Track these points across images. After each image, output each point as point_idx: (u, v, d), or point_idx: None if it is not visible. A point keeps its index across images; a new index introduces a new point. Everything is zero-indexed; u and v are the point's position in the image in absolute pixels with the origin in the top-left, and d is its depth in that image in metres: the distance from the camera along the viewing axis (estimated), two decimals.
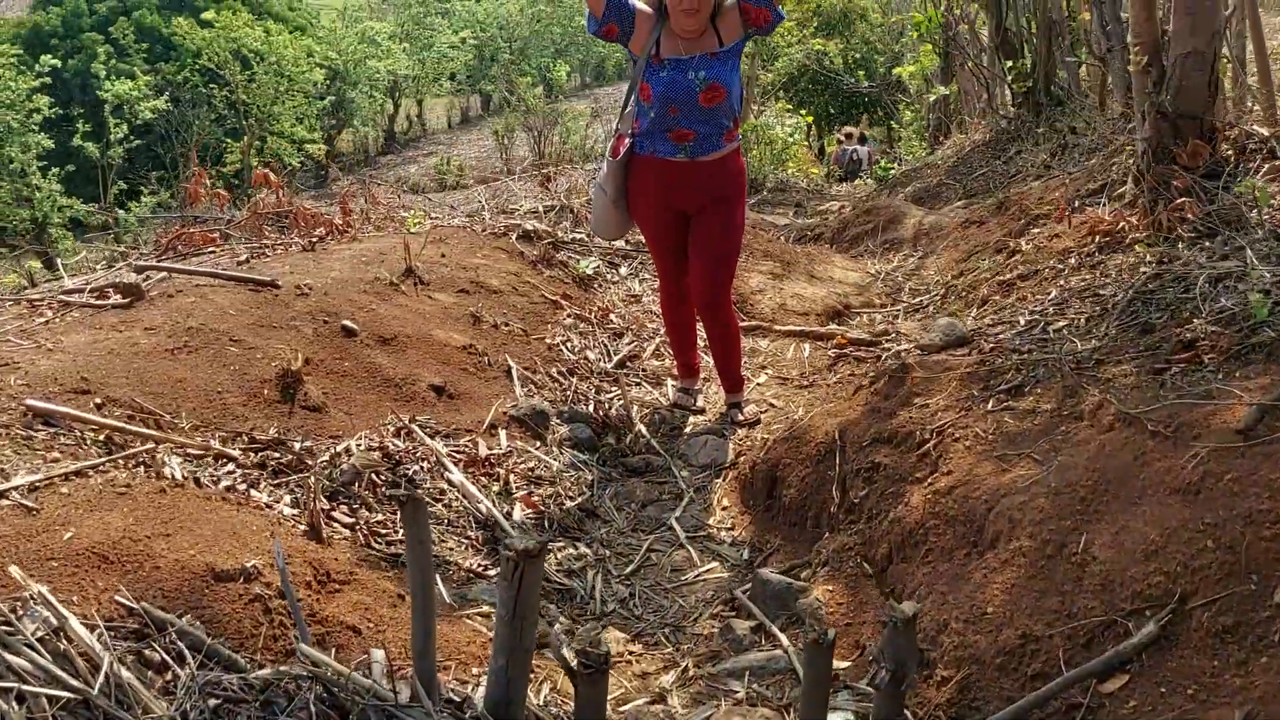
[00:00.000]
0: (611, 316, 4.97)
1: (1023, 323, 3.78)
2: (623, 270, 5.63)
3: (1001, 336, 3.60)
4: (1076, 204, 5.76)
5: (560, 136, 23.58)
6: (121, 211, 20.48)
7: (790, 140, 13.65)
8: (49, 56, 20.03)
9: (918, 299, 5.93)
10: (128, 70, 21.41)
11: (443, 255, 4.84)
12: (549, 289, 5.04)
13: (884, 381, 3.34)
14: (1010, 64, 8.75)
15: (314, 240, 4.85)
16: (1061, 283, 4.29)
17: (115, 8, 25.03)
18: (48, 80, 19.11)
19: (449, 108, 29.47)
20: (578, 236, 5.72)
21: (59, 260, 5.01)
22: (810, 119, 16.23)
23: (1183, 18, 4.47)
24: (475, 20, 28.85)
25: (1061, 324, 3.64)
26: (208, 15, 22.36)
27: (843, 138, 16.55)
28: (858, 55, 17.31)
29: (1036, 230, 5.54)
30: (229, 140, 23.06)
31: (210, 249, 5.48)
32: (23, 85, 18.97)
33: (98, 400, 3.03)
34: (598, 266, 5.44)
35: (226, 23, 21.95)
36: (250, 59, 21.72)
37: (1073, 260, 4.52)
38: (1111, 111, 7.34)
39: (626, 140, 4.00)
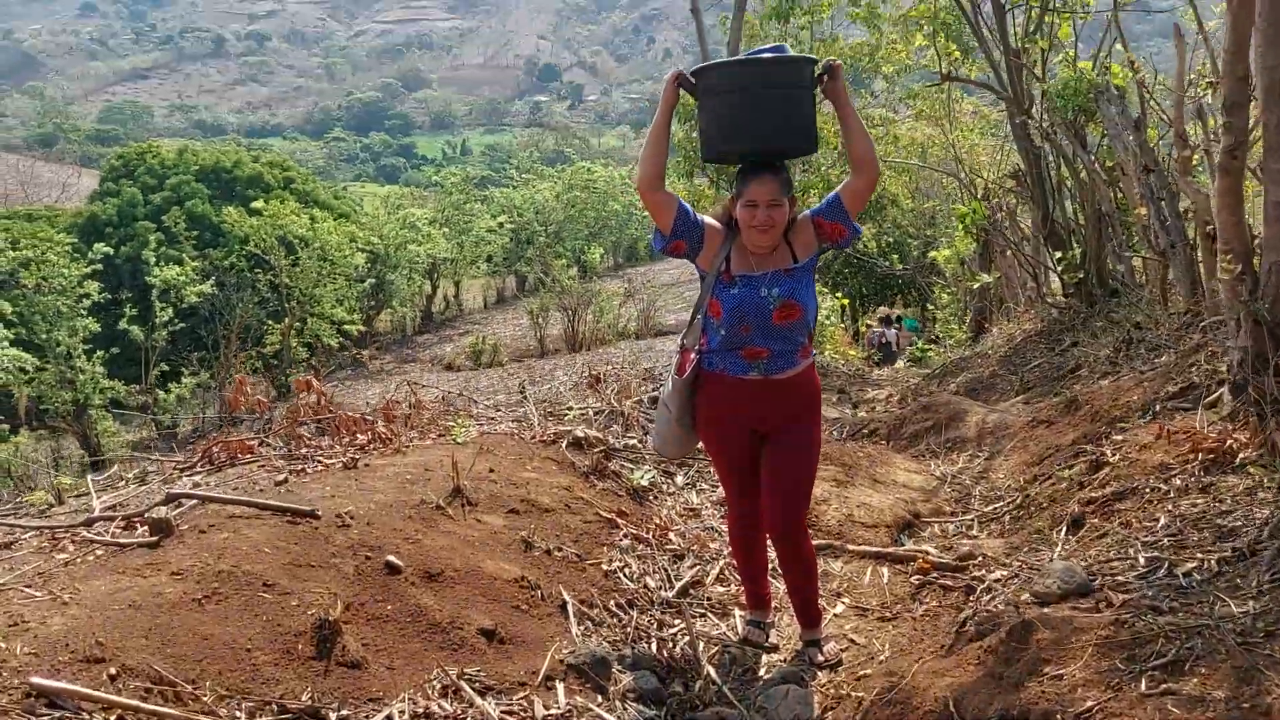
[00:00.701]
0: (670, 535, 4.58)
1: (1143, 562, 3.35)
2: (679, 480, 5.27)
3: (1126, 582, 3.17)
4: (1158, 408, 5.40)
5: (594, 315, 23.74)
6: (161, 393, 20.60)
7: (826, 323, 13.52)
8: (102, 244, 20.58)
9: (990, 507, 5.52)
10: (176, 256, 21.93)
11: (491, 470, 4.51)
12: (603, 504, 4.67)
13: (1000, 638, 2.90)
14: (1059, 255, 8.58)
15: (355, 457, 4.54)
16: (1170, 508, 3.87)
17: (169, 198, 25.94)
18: (99, 267, 19.53)
19: (485, 288, 29.97)
20: (630, 443, 5.40)
21: (89, 478, 4.73)
22: (845, 301, 16.19)
23: (1274, 225, 4.23)
24: (513, 205, 29.70)
25: (1190, 565, 3.22)
26: (257, 204, 23.04)
27: (874, 322, 16.47)
28: (890, 239, 17.43)
29: (1119, 437, 5.16)
30: (270, 321, 23.34)
31: (248, 458, 5.20)
32: (75, 272, 19.39)
33: (112, 670, 2.64)
34: (653, 477, 5.09)
35: (275, 211, 22.58)
36: (295, 244, 22.21)
37: (1176, 480, 4.12)
38: (1175, 306, 7.07)
39: (693, 356, 3.72)
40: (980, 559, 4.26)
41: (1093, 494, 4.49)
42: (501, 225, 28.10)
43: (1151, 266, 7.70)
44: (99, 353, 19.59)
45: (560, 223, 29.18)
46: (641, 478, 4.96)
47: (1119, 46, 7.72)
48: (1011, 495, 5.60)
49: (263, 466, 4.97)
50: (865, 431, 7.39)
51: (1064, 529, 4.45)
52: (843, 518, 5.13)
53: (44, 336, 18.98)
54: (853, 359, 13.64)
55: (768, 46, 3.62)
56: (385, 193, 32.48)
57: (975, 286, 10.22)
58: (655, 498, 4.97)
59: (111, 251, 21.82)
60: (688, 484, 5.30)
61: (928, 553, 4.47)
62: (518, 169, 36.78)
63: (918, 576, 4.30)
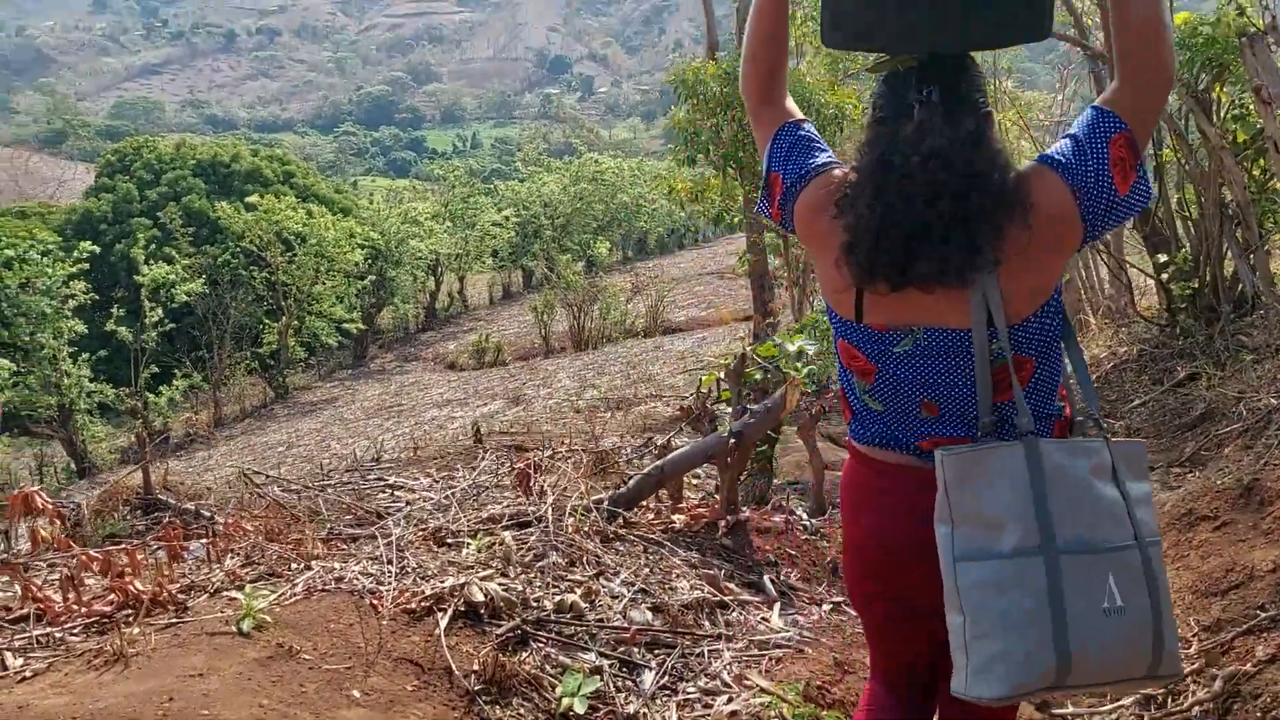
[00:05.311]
0: None
1: None
2: (645, 682, 2.90)
3: None
4: None
5: (600, 312, 21.76)
6: (151, 395, 18.94)
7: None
8: (88, 243, 18.85)
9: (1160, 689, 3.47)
10: (168, 254, 20.19)
11: None
12: None
13: None
14: (1164, 258, 6.52)
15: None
16: None
17: (165, 193, 24.13)
18: (85, 266, 17.78)
19: (491, 284, 28.02)
20: (570, 599, 3.03)
21: None
22: None
23: None
24: (518, 199, 27.71)
25: None
26: (252, 199, 21.26)
27: None
28: None
29: None
30: (267, 320, 21.59)
31: None
32: (59, 272, 17.67)
33: None
34: (599, 685, 2.64)
35: (270, 206, 20.76)
36: (292, 241, 20.40)
37: None
38: None
39: None
40: None
41: None
42: (507, 219, 26.10)
43: None
44: (85, 356, 17.88)
45: (568, 215, 27.15)
46: (577, 688, 2.60)
47: None
48: (1191, 659, 3.57)
49: None
50: None
51: None
52: None
53: (26, 339, 17.30)
54: None
55: None
56: (389, 185, 30.54)
57: None
58: None
59: (98, 250, 20.00)
60: (663, 688, 2.74)
61: None
62: (524, 161, 34.61)
63: None
